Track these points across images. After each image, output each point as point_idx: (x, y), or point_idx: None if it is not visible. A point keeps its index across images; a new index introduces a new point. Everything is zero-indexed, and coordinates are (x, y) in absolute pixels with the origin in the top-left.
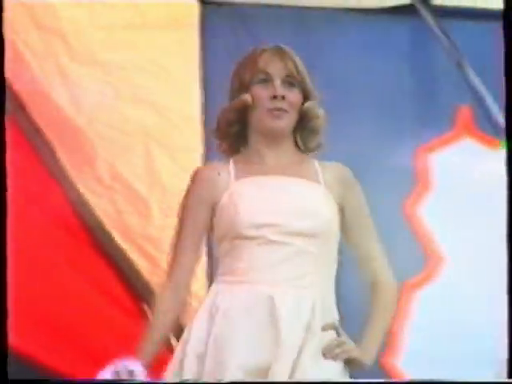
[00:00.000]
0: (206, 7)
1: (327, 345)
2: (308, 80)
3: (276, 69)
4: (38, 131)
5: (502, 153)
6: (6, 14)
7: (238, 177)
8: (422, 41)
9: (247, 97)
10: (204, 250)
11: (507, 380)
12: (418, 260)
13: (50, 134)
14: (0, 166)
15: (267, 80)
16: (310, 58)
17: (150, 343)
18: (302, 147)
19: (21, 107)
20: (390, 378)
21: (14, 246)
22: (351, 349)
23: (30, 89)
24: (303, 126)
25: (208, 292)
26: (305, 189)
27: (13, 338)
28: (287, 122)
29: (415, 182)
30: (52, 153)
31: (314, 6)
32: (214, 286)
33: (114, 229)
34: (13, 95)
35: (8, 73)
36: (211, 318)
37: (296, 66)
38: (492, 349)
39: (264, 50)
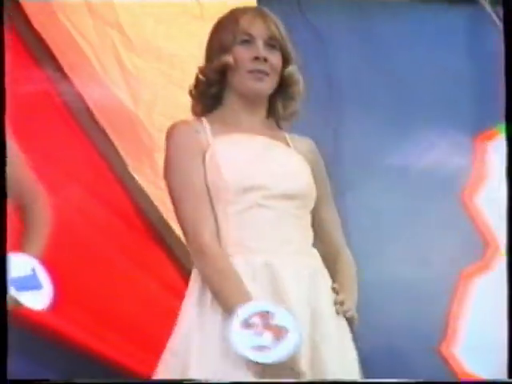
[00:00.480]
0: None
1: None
2: (289, 44)
3: (258, 30)
4: (96, 123)
5: None
6: (65, 8)
7: (215, 134)
8: (481, 30)
9: (229, 57)
10: None
11: (507, 380)
12: (477, 248)
13: (109, 127)
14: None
15: (249, 41)
16: (368, 47)
17: None
18: (280, 112)
19: (78, 96)
20: (449, 366)
21: (70, 235)
22: (351, 308)
23: (88, 81)
24: (282, 91)
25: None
26: (283, 151)
27: (64, 327)
28: (268, 84)
29: (473, 170)
30: (110, 144)
31: None
32: None
33: (172, 219)
34: (70, 84)
35: (66, 66)
36: (202, 305)
37: (278, 29)
38: None
39: (246, 11)
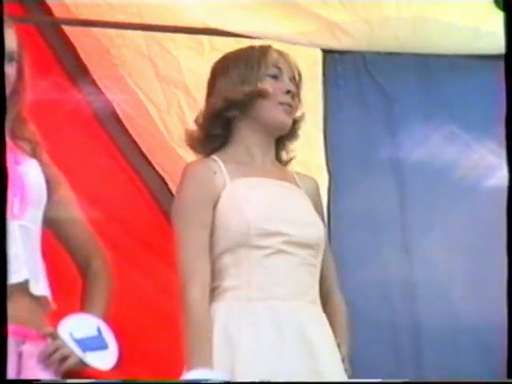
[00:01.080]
0: (329, 56)
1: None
2: (300, 90)
3: (286, 66)
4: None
5: None
6: (132, 72)
7: (232, 176)
8: None
9: (268, 86)
10: None
11: (507, 380)
12: None
13: (174, 186)
14: (0, 168)
15: (277, 76)
16: (434, 104)
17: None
18: (285, 155)
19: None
20: None
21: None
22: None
23: (152, 140)
24: (292, 131)
25: (215, 311)
26: (297, 196)
27: None
28: (291, 120)
29: None
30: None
31: (436, 53)
32: (221, 305)
33: None
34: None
35: (133, 132)
36: (229, 350)
37: (299, 72)
38: None
39: (270, 47)
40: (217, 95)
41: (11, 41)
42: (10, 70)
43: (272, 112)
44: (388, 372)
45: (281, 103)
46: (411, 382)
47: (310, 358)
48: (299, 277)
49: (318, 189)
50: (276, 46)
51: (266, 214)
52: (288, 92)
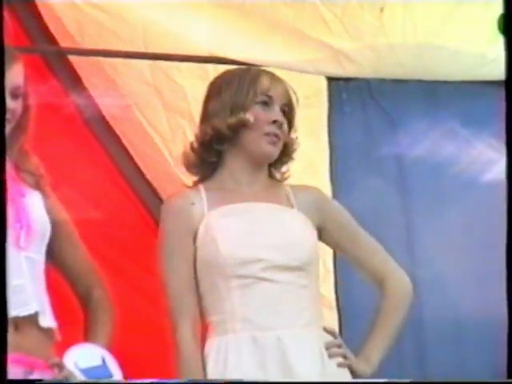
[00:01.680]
0: (334, 83)
1: (329, 342)
2: (295, 113)
3: (277, 94)
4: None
5: None
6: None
7: (211, 206)
8: None
9: (249, 116)
10: None
11: (507, 380)
12: None
13: None
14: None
15: (267, 103)
16: (441, 131)
17: None
18: (279, 176)
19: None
20: None
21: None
22: (350, 358)
23: (158, 168)
24: (283, 156)
25: (210, 347)
26: (284, 217)
27: None
28: (278, 149)
29: None
30: None
31: (441, 79)
32: (214, 340)
33: None
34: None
35: (137, 158)
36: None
37: (292, 98)
38: None
39: (264, 72)
40: (206, 123)
41: (18, 76)
42: (15, 105)
43: (256, 143)
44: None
45: (266, 134)
46: (414, 382)
47: None
48: (286, 302)
49: (319, 198)
50: (279, 72)
51: (242, 242)
52: (275, 122)
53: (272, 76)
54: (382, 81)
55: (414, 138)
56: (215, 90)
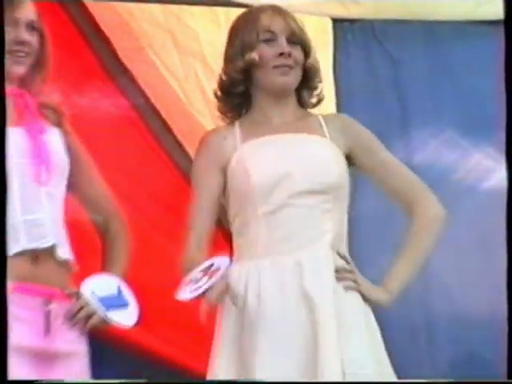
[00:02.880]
0: (339, 25)
1: (339, 267)
2: (308, 37)
3: (280, 27)
4: (183, 151)
5: None
6: (153, 44)
7: (244, 139)
8: None
9: (254, 55)
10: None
11: (507, 380)
12: None
13: (191, 150)
14: (0, 169)
15: (272, 39)
16: (439, 68)
17: None
18: (307, 102)
19: (165, 125)
20: None
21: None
22: (362, 284)
23: (172, 107)
24: (306, 82)
25: (232, 271)
26: (313, 145)
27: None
28: (294, 77)
29: None
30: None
31: (440, 19)
32: (236, 265)
33: None
34: (155, 113)
35: (153, 98)
36: (238, 309)
37: (297, 25)
38: None
39: (264, 9)
40: (223, 71)
41: (29, 11)
42: (31, 38)
43: (268, 77)
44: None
45: (275, 67)
46: (415, 382)
47: (309, 311)
48: (308, 226)
49: (348, 124)
50: None
51: (271, 172)
52: (281, 54)
53: (272, 11)
54: (385, 22)
55: (415, 77)
56: (228, 38)
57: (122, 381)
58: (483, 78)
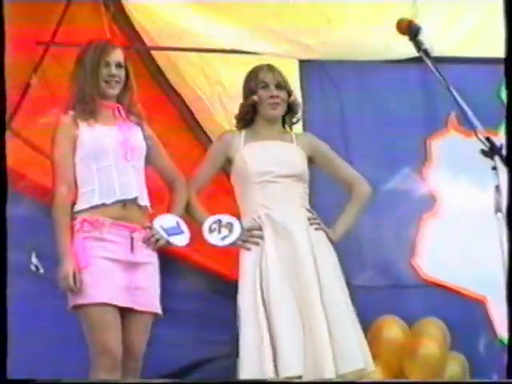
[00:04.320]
0: (303, 64)
1: (310, 216)
2: (289, 84)
3: (270, 79)
4: (203, 131)
5: (475, 140)
6: (189, 73)
7: (245, 142)
8: (429, 81)
9: (255, 97)
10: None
11: (507, 380)
12: (431, 203)
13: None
14: (0, 169)
15: (266, 86)
16: (364, 96)
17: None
18: (288, 123)
19: (199, 125)
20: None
21: None
22: (324, 227)
23: (200, 111)
24: (290, 112)
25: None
26: (287, 149)
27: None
28: (280, 110)
29: (426, 156)
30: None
31: (360, 59)
32: (242, 219)
33: None
34: (194, 119)
35: (194, 110)
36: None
37: (282, 77)
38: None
39: (261, 68)
40: (240, 104)
41: (118, 55)
42: (119, 72)
43: (264, 110)
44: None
45: (269, 104)
46: (415, 381)
47: (292, 247)
48: (287, 195)
49: (311, 141)
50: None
51: (261, 163)
52: (272, 96)
53: (266, 69)
54: (332, 61)
55: (349, 98)
56: (243, 83)
57: (130, 381)
58: (400, 104)
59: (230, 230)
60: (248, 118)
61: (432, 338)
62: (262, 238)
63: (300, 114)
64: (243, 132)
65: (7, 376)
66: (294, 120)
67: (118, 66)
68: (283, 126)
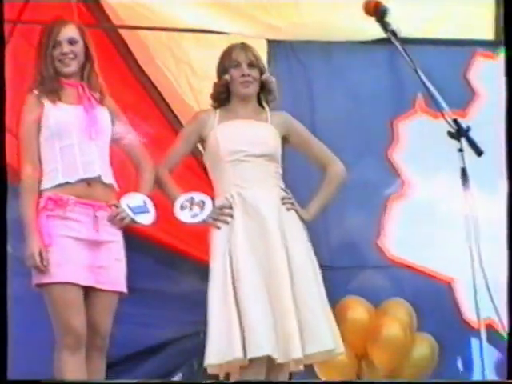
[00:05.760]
0: (271, 44)
1: (283, 196)
2: (262, 62)
3: (242, 58)
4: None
5: (443, 121)
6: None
7: (220, 121)
8: (397, 62)
9: (227, 77)
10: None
11: (507, 380)
12: (397, 185)
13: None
14: (0, 168)
15: (238, 65)
16: (332, 77)
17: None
18: (264, 102)
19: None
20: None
21: None
22: (296, 207)
23: (167, 90)
24: (263, 89)
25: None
26: (261, 127)
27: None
28: (253, 89)
29: (393, 137)
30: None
31: (328, 40)
32: (219, 199)
33: None
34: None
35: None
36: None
37: (254, 56)
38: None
39: (234, 47)
40: (214, 84)
41: (69, 31)
42: (73, 48)
43: (237, 89)
44: None
45: (240, 82)
46: (415, 382)
47: (261, 227)
48: (259, 174)
49: (286, 120)
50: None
51: (233, 142)
52: (243, 75)
53: (240, 46)
54: (301, 42)
55: (317, 79)
56: (218, 62)
57: (125, 381)
58: (368, 84)
59: (202, 208)
60: (223, 97)
61: (396, 319)
62: (231, 216)
63: (274, 92)
64: (218, 111)
65: (7, 377)
66: (271, 98)
67: (71, 42)
68: (260, 105)
